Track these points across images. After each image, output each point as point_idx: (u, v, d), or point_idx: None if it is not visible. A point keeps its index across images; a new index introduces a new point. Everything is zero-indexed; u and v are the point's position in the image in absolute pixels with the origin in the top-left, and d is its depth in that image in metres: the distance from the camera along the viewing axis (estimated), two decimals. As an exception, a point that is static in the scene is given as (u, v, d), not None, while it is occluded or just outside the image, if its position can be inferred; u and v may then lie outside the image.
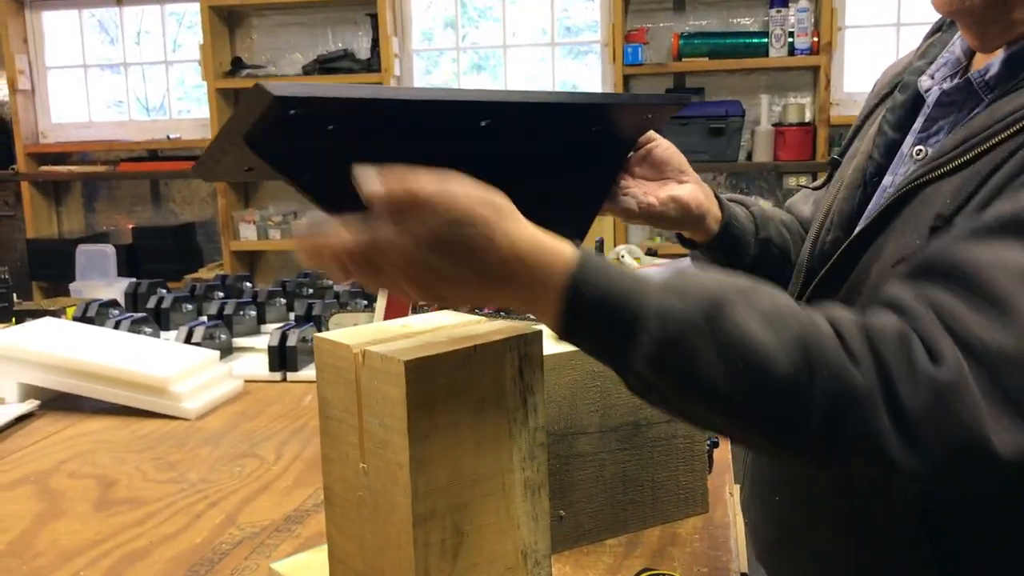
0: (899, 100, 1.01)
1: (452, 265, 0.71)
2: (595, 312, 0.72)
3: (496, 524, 0.88)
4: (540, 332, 0.90)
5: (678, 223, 1.07)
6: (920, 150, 0.93)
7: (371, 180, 0.68)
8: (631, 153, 1.05)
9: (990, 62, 0.89)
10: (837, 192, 1.04)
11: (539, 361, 0.89)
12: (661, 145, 1.05)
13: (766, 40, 4.24)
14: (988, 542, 0.87)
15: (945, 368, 0.69)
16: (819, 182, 1.21)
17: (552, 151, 0.83)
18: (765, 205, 1.20)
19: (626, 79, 4.41)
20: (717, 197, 1.11)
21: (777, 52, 4.23)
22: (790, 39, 4.21)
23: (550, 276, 0.72)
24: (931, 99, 0.96)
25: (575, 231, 0.89)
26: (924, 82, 0.98)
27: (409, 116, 0.74)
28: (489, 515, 0.87)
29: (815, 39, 4.18)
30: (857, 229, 0.95)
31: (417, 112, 0.74)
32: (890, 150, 0.99)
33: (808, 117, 4.38)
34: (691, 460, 1.24)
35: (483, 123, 0.75)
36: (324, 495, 0.95)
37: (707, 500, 1.28)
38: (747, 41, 4.30)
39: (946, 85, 0.94)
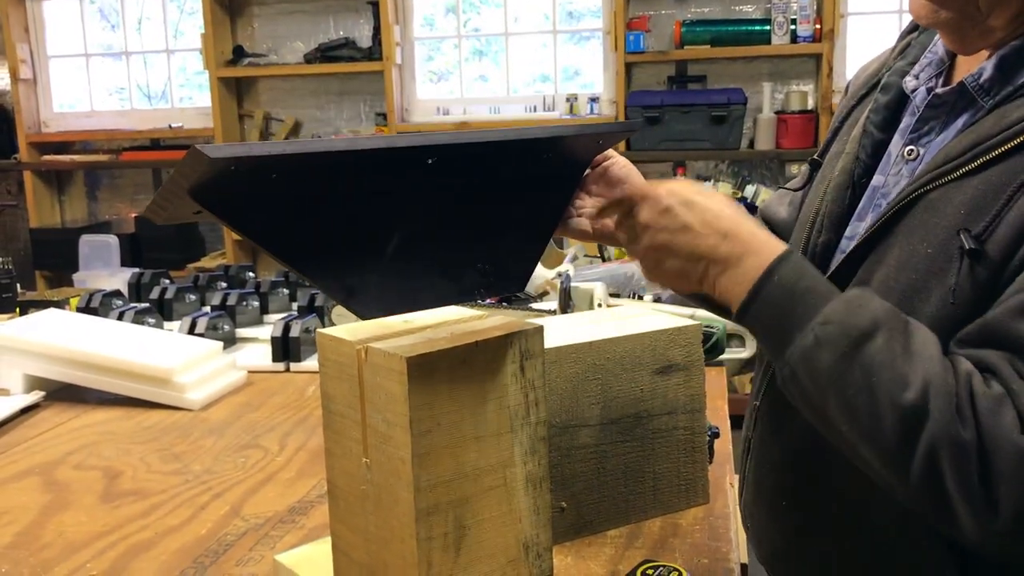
0: (882, 100, 1.01)
1: (686, 221, 0.86)
2: (778, 299, 0.83)
3: (498, 517, 0.89)
4: (541, 328, 0.91)
5: None
6: (912, 150, 0.94)
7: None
8: (587, 172, 1.06)
9: (982, 65, 0.89)
10: (824, 193, 1.04)
11: (540, 356, 0.90)
12: (618, 163, 1.08)
13: (768, 27, 4.23)
14: (1006, 557, 0.88)
15: None
16: (796, 182, 1.21)
17: (503, 181, 0.84)
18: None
19: (628, 67, 4.40)
20: None
21: (779, 39, 4.22)
22: (792, 26, 4.20)
23: (758, 255, 0.85)
24: (918, 99, 0.96)
25: (529, 256, 0.91)
26: (909, 82, 0.98)
27: (353, 163, 0.74)
28: (491, 509, 0.88)
29: (817, 26, 4.17)
30: (860, 234, 0.95)
31: (359, 160, 0.74)
32: (876, 150, 1.00)
33: (810, 105, 4.37)
34: (692, 451, 1.25)
35: (429, 161, 0.76)
36: (328, 489, 0.96)
37: (708, 491, 1.29)
38: (749, 28, 4.29)
39: (939, 88, 0.94)
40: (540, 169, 0.92)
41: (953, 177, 0.85)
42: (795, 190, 1.20)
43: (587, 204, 1.07)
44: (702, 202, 0.87)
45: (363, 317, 0.83)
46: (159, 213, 0.72)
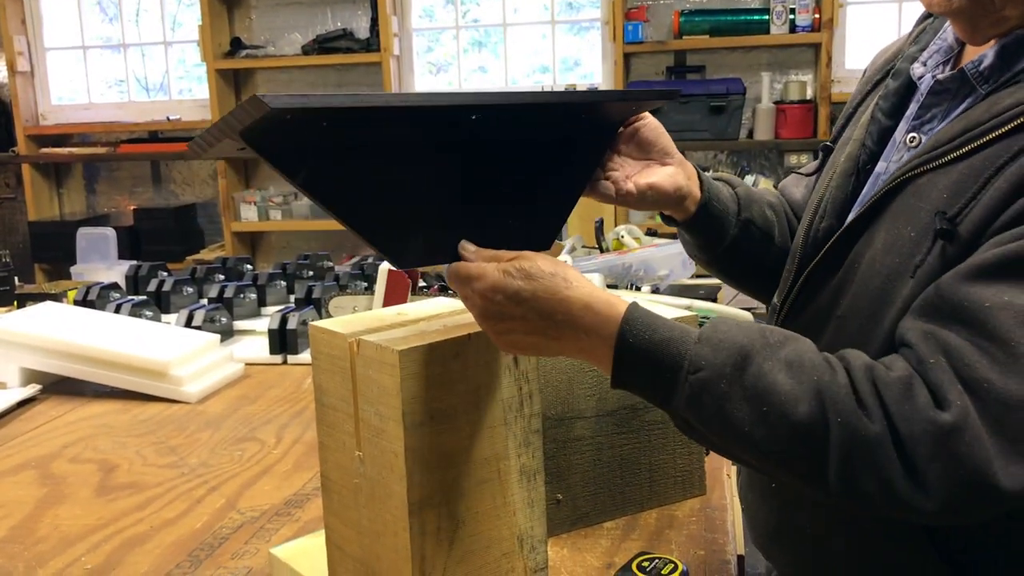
0: (892, 87, 1.00)
1: (523, 308, 0.81)
2: (642, 361, 0.80)
3: (492, 511, 0.89)
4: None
5: (657, 206, 1.09)
6: (914, 137, 0.93)
7: (467, 247, 0.85)
8: (620, 130, 1.05)
9: (983, 53, 0.88)
10: (830, 180, 1.03)
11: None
12: (649, 125, 1.05)
13: (767, 17, 4.22)
14: (988, 532, 0.87)
15: (948, 412, 0.73)
16: (810, 167, 1.20)
17: (539, 142, 0.87)
18: (765, 184, 1.20)
19: (626, 57, 4.39)
20: (700, 177, 1.11)
21: (778, 29, 4.20)
22: (791, 16, 4.19)
23: (604, 326, 0.81)
24: (924, 87, 0.95)
25: (557, 215, 0.94)
26: (917, 69, 0.97)
27: (400, 118, 0.78)
28: (485, 502, 0.88)
29: (816, 16, 4.16)
30: (850, 217, 0.95)
31: (407, 116, 0.78)
32: (883, 137, 0.99)
33: (809, 95, 4.36)
34: (688, 443, 1.25)
35: (473, 117, 0.79)
36: (321, 482, 0.96)
37: (704, 482, 1.29)
38: (748, 18, 4.27)
39: (939, 74, 0.94)
40: (575, 131, 0.93)
41: (941, 163, 0.85)
42: (808, 175, 1.19)
43: (616, 165, 1.04)
44: (528, 295, 0.81)
45: (399, 267, 0.88)
46: (203, 149, 0.75)
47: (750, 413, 0.76)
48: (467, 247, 0.86)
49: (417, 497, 0.83)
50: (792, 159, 4.43)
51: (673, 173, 1.06)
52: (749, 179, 4.29)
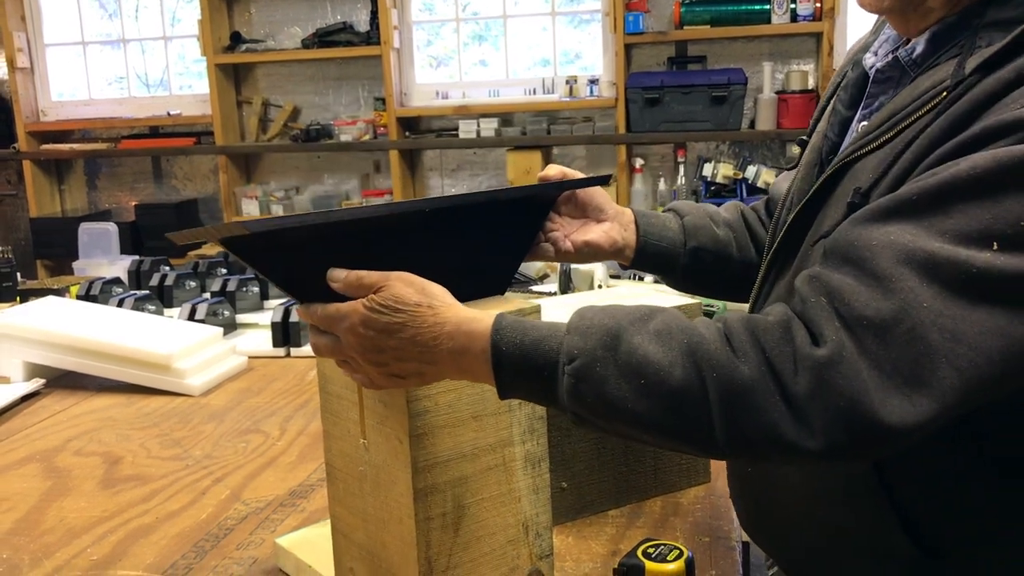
0: (850, 77, 1.03)
1: (393, 341, 0.81)
2: (519, 365, 0.80)
3: (497, 497, 0.89)
4: (538, 306, 0.90)
5: (597, 258, 1.15)
6: (864, 126, 0.95)
7: (336, 273, 0.84)
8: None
9: (916, 41, 0.93)
10: (797, 172, 1.07)
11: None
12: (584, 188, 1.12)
13: (768, 7, 4.20)
14: (940, 494, 0.89)
15: (824, 348, 0.73)
16: (791, 163, 1.23)
17: (485, 223, 0.94)
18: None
19: (627, 48, 4.37)
20: (637, 223, 1.16)
21: (779, 19, 4.19)
22: (792, 5, 4.17)
23: (476, 342, 0.80)
24: (873, 75, 0.99)
25: (506, 273, 1.01)
26: (868, 59, 1.01)
27: (366, 227, 0.86)
28: (490, 488, 0.88)
29: (818, 5, 4.14)
30: (799, 205, 0.98)
31: (366, 223, 0.86)
32: (843, 128, 1.02)
33: (811, 84, 4.34)
34: (692, 431, 1.25)
35: (426, 210, 0.88)
36: (326, 470, 0.96)
37: (709, 470, 1.29)
38: (749, 8, 4.26)
39: (880, 64, 0.97)
40: (517, 213, 1.01)
41: (872, 147, 0.89)
42: (789, 169, 1.22)
43: (556, 226, 1.11)
44: (397, 327, 0.81)
45: None
46: (185, 241, 0.84)
47: (629, 390, 0.76)
48: (335, 274, 0.84)
49: (422, 484, 0.83)
50: (794, 149, 4.41)
51: (608, 228, 1.13)
52: (751, 169, 4.28)
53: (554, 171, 1.11)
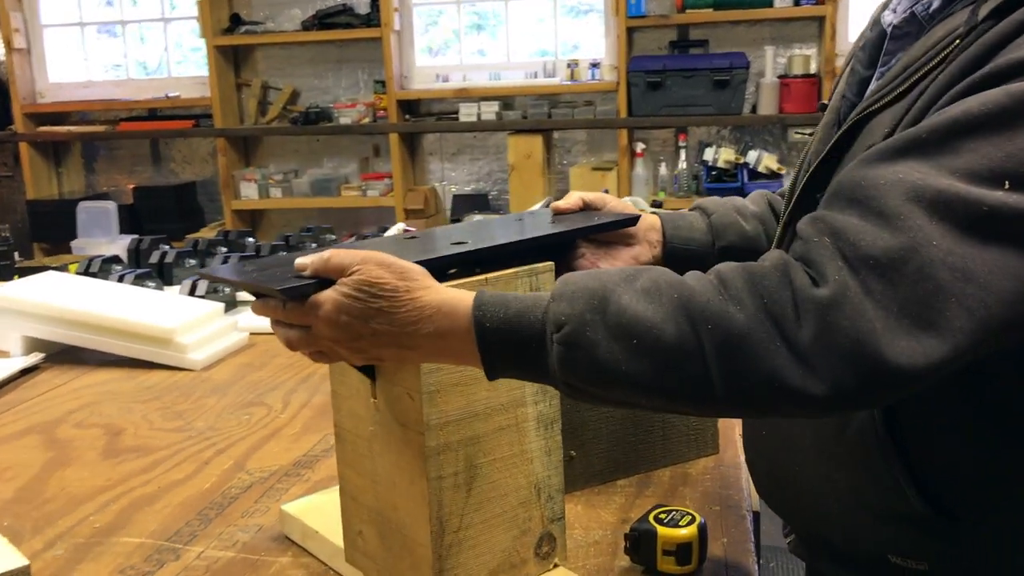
0: (869, 37, 1.01)
1: (372, 326, 0.78)
2: (505, 339, 0.77)
3: (509, 458, 0.87)
4: (551, 264, 0.89)
5: None
6: (879, 83, 0.93)
7: (302, 261, 0.82)
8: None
9: None
10: (816, 134, 1.05)
11: (551, 294, 0.88)
12: (610, 212, 1.10)
13: (771, -10, 4.18)
14: (954, 453, 0.87)
15: (826, 287, 0.70)
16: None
17: (506, 265, 0.91)
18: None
19: (629, 32, 4.35)
20: (664, 230, 1.13)
21: (782, 2, 4.17)
22: (795, -11, 4.15)
23: (458, 321, 0.77)
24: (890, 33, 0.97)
25: None
26: (887, 16, 0.98)
27: None
28: (503, 448, 0.87)
29: (821, -12, 4.12)
30: (815, 164, 0.95)
31: None
32: (862, 87, 1.00)
33: (813, 68, 4.32)
34: (702, 401, 1.23)
35: (454, 242, 0.89)
36: (335, 432, 0.94)
37: (717, 441, 1.28)
38: (752, -9, 4.23)
39: (896, 20, 0.95)
40: (542, 251, 0.97)
41: (887, 101, 0.86)
42: (810, 135, 1.20)
43: (582, 253, 1.07)
44: (374, 311, 0.78)
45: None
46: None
47: (622, 351, 0.72)
48: (302, 262, 0.82)
49: (434, 442, 0.82)
50: (796, 134, 4.40)
51: (637, 253, 1.10)
52: (753, 154, 4.26)
53: (573, 199, 1.08)
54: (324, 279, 0.81)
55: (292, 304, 0.81)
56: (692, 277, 0.76)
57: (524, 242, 0.92)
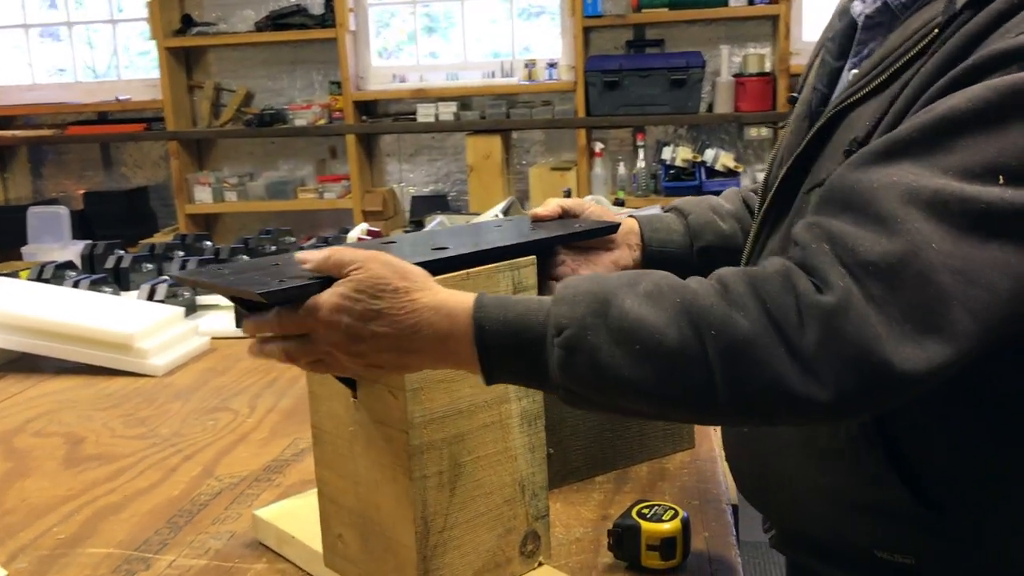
0: (838, 27, 1.00)
1: (372, 328, 0.76)
2: (505, 342, 0.75)
3: (494, 455, 0.86)
4: (533, 259, 0.87)
5: None
6: (855, 73, 0.93)
7: (304, 255, 0.81)
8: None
9: None
10: (787, 127, 1.05)
11: (533, 289, 0.87)
12: (591, 219, 1.09)
13: (725, -10, 4.21)
14: (942, 445, 0.87)
15: (830, 294, 0.69)
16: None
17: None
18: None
19: (586, 31, 4.35)
20: (642, 233, 1.12)
21: (737, 2, 4.20)
22: (749, -12, 4.19)
23: (458, 323, 0.76)
24: (861, 22, 0.96)
25: None
26: (856, 6, 0.98)
27: None
28: (487, 446, 0.85)
29: (774, -12, 4.16)
30: (791, 159, 0.95)
31: None
32: (833, 79, 0.99)
33: (768, 67, 4.37)
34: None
35: (435, 247, 0.88)
36: (312, 434, 0.92)
37: (693, 436, 1.27)
38: (706, -9, 4.26)
39: (869, 9, 0.95)
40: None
41: (865, 93, 0.86)
42: (781, 128, 1.20)
43: (563, 262, 1.07)
44: (375, 312, 0.76)
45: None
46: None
47: (624, 356, 0.72)
48: (304, 255, 0.80)
49: (418, 440, 0.80)
50: (752, 132, 4.44)
51: (617, 257, 1.10)
52: (710, 153, 4.29)
53: (552, 206, 1.07)
54: (323, 279, 0.78)
55: (287, 310, 0.78)
56: (695, 281, 0.75)
57: (507, 248, 0.90)
